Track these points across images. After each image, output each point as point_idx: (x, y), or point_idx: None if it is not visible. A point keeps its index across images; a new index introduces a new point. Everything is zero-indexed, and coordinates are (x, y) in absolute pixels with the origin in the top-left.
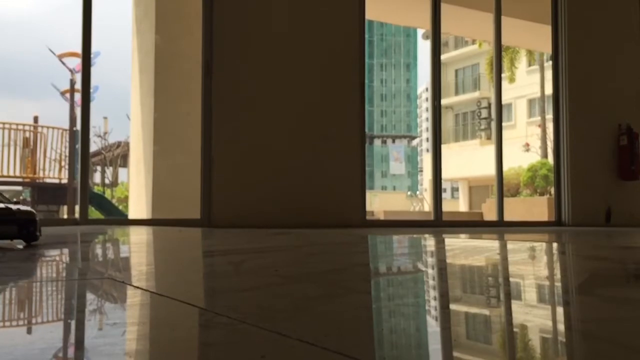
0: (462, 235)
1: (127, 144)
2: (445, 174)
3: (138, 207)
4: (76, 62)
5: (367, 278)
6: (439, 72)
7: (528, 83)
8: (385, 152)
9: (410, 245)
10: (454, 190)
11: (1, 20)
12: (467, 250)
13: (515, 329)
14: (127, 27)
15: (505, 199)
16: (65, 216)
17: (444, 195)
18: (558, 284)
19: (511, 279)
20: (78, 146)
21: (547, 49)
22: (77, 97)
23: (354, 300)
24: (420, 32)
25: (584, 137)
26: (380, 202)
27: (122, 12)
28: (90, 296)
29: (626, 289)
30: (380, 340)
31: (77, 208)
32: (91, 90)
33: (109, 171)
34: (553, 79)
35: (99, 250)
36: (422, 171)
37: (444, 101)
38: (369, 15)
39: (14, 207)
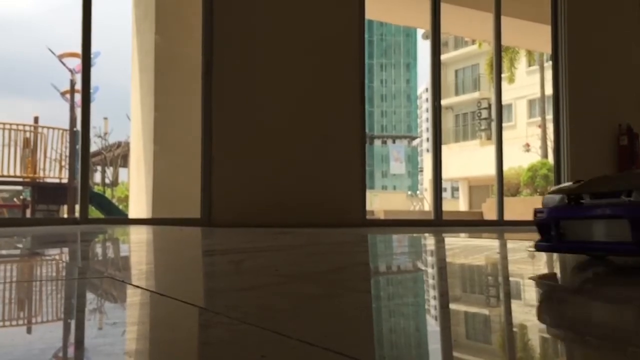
0: (462, 235)
1: (127, 144)
2: (446, 173)
3: (138, 206)
4: (76, 63)
5: (367, 277)
6: (439, 73)
7: (528, 83)
8: (385, 152)
9: (410, 245)
10: (454, 190)
11: (1, 20)
12: (467, 250)
13: (514, 329)
14: (127, 27)
15: (505, 199)
16: (66, 216)
17: (444, 194)
18: (558, 283)
19: (511, 279)
20: (78, 146)
21: (547, 49)
22: (78, 97)
23: (354, 299)
24: (420, 32)
25: (584, 137)
26: (380, 202)
27: (122, 12)
28: (90, 295)
29: (627, 287)
30: (380, 340)
31: (77, 207)
32: (91, 91)
33: (109, 171)
34: (553, 79)
35: (98, 250)
36: (422, 171)
37: (444, 102)
38: (369, 15)
39: None
